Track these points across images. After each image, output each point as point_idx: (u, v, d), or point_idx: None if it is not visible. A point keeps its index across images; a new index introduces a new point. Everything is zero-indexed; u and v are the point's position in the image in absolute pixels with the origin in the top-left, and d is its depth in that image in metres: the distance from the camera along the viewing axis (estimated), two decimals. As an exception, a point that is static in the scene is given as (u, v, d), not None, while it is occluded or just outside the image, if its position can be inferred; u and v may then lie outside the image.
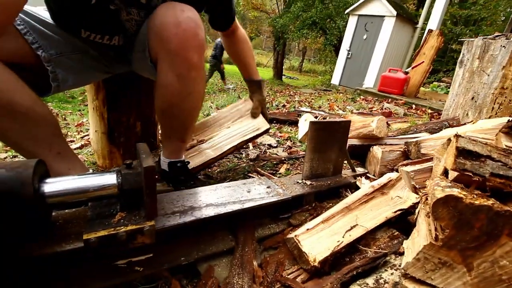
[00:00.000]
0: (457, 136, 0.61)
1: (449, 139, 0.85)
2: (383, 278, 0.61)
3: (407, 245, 0.69)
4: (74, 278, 0.55)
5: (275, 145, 1.57)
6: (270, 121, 2.05)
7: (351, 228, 0.73)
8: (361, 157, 1.37)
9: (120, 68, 1.03)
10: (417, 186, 0.94)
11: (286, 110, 2.42)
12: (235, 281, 0.64)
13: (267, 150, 1.50)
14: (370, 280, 0.61)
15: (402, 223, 0.82)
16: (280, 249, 0.76)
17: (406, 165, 1.03)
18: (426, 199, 0.75)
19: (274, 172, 1.26)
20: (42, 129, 0.77)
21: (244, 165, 1.33)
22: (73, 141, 1.71)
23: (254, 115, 1.21)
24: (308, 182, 0.88)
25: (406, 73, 4.35)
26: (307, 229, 0.72)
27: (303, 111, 2.33)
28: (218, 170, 1.30)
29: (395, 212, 0.79)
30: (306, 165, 0.89)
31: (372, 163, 1.27)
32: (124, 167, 0.58)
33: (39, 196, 0.48)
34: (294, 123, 2.00)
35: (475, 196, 0.47)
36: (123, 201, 0.57)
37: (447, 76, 8.62)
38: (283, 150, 1.51)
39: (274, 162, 1.35)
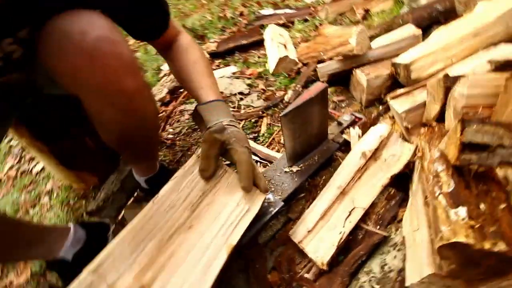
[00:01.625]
0: (463, 121, 0.49)
1: (446, 76, 0.71)
2: (387, 263, 0.65)
3: (405, 218, 0.70)
4: None
5: (247, 91, 1.38)
6: (231, 52, 1.70)
7: (349, 213, 0.72)
8: (344, 81, 1.21)
9: (28, 97, 0.78)
10: (409, 126, 0.86)
11: (246, 22, 1.98)
12: (257, 299, 0.70)
13: (240, 103, 1.32)
14: (375, 267, 0.66)
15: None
16: (287, 245, 0.79)
17: (395, 97, 0.92)
18: (421, 158, 0.70)
19: (256, 135, 1.16)
20: (10, 239, 0.66)
21: (223, 134, 1.21)
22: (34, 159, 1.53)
23: (245, 189, 0.63)
24: (295, 169, 0.81)
25: None
26: (308, 231, 0.72)
27: (266, 17, 1.91)
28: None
29: (390, 177, 0.75)
30: (289, 152, 0.79)
31: (358, 90, 1.13)
32: None
33: None
34: (260, 44, 1.68)
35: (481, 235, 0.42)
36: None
37: None
38: (258, 97, 1.34)
39: (253, 120, 1.22)
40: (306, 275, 0.72)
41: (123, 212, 1.01)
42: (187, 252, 0.53)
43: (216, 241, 0.55)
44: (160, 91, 1.47)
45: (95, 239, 0.89)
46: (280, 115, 0.67)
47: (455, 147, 0.51)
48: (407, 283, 0.52)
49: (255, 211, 0.62)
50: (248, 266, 0.75)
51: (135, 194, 1.04)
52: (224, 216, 0.59)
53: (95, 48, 0.51)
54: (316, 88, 0.74)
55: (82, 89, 0.57)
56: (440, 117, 0.76)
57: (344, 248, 0.72)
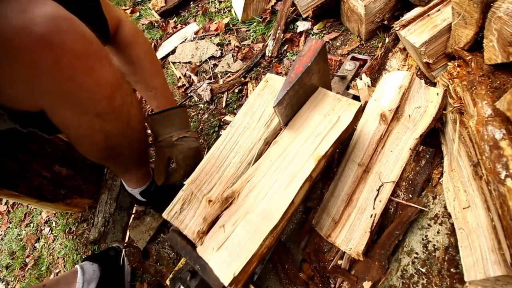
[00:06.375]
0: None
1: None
2: (430, 241, 0.57)
3: (445, 186, 0.59)
4: None
5: (219, 53, 1.13)
6: (184, 3, 1.35)
7: (378, 192, 0.62)
8: (334, 12, 0.96)
9: None
10: (430, 61, 0.68)
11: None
12: (294, 297, 0.66)
13: (216, 71, 1.10)
14: (417, 246, 0.59)
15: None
16: (312, 234, 0.72)
17: (406, 25, 0.71)
18: (460, 112, 0.55)
19: (245, 108, 0.98)
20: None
21: (207, 115, 1.04)
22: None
23: None
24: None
25: None
26: (335, 223, 0.63)
27: None
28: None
29: (418, 138, 0.62)
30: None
31: (352, 20, 0.90)
32: None
33: None
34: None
35: None
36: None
37: None
38: (233, 58, 1.10)
39: (236, 90, 1.02)
40: (339, 262, 0.66)
41: (128, 233, 0.93)
42: (271, 163, 0.55)
43: (302, 152, 0.54)
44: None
45: (110, 268, 0.84)
46: (273, 105, 0.50)
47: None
48: (466, 278, 0.44)
49: (348, 121, 0.54)
50: (276, 268, 0.70)
51: (134, 211, 0.94)
52: (310, 128, 0.56)
53: (49, 28, 0.37)
54: (310, 49, 0.54)
55: (45, 95, 0.42)
56: (475, 45, 0.58)
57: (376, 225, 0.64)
